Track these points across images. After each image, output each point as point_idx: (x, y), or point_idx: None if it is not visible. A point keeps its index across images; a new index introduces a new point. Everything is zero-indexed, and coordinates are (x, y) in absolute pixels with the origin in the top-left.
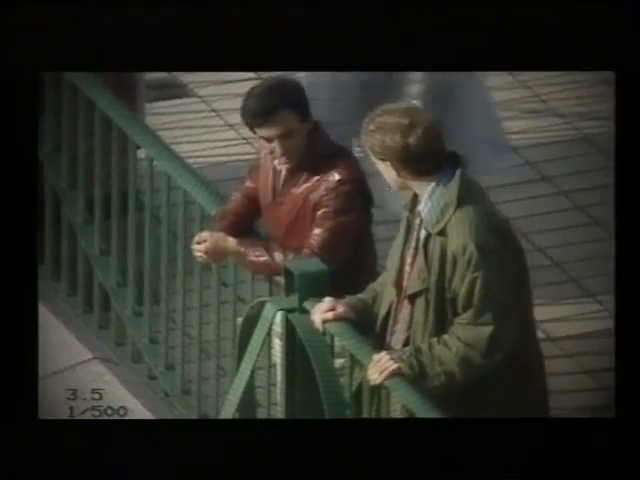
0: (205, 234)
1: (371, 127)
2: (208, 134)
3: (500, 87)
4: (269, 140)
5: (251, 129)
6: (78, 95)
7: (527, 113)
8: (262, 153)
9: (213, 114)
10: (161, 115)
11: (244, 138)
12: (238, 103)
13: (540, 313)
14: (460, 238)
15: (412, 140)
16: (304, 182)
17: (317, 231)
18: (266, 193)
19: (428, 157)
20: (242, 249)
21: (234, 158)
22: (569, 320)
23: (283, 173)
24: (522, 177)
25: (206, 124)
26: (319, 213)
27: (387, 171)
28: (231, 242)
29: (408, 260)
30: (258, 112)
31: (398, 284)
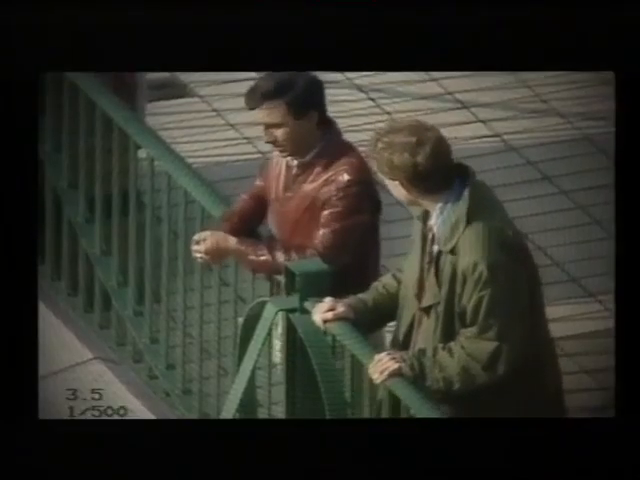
0: (205, 233)
1: (379, 146)
2: (209, 134)
3: (501, 87)
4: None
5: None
6: (79, 95)
7: (528, 113)
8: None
9: (214, 114)
10: (161, 115)
11: (245, 138)
12: (239, 103)
13: None
14: (471, 257)
15: (420, 158)
16: (315, 179)
17: (323, 232)
18: (276, 187)
19: (437, 174)
20: (243, 248)
21: (234, 158)
22: (570, 320)
23: (295, 168)
24: (523, 177)
25: (207, 124)
26: (326, 213)
27: (396, 189)
28: (232, 241)
29: (426, 272)
30: (250, 94)
31: (420, 295)
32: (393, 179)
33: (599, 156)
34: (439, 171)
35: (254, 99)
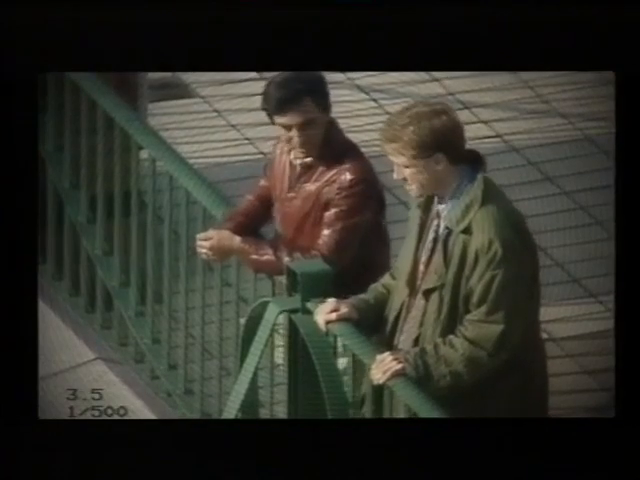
0: (210, 232)
1: (401, 122)
2: (210, 134)
3: (502, 87)
4: (288, 128)
5: (270, 117)
6: (80, 94)
7: (529, 114)
8: (279, 147)
9: (215, 114)
10: (163, 115)
11: (246, 138)
12: (240, 103)
13: (542, 313)
14: (486, 235)
15: (447, 121)
16: (318, 178)
17: (326, 232)
18: (280, 187)
19: (462, 138)
20: (246, 247)
21: (235, 159)
22: (571, 320)
23: (298, 168)
24: (524, 177)
25: (208, 124)
26: (329, 213)
27: (416, 171)
28: (236, 240)
29: (422, 259)
30: (282, 99)
31: (411, 283)
32: (428, 154)
33: (600, 157)
34: (462, 136)
35: (283, 102)
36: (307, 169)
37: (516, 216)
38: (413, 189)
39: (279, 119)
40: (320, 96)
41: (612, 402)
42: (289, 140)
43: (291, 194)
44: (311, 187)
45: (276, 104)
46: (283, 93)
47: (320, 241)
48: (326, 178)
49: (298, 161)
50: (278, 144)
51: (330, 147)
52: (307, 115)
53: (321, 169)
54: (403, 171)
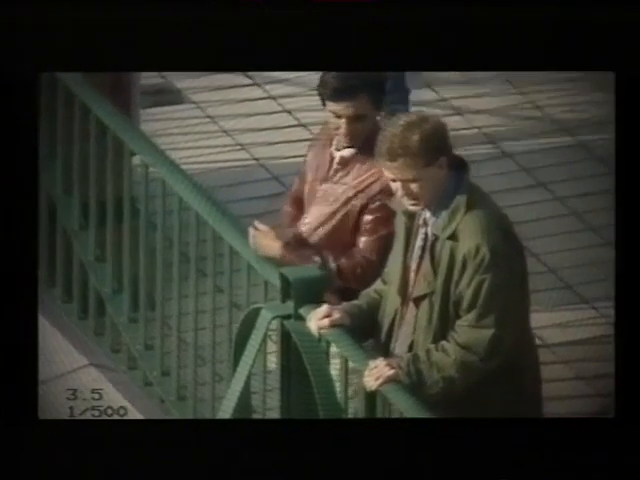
0: (261, 227)
1: (395, 130)
2: (202, 140)
3: (497, 93)
4: (338, 117)
5: (323, 102)
6: (73, 101)
7: (523, 119)
8: (321, 135)
9: (207, 120)
10: (155, 121)
11: (239, 144)
12: (233, 109)
13: (536, 319)
14: (473, 240)
15: (435, 123)
16: (353, 177)
17: (372, 237)
18: (314, 177)
19: (449, 142)
20: (287, 254)
21: (228, 164)
22: (565, 326)
23: (336, 161)
24: (518, 183)
25: (200, 130)
26: (371, 218)
27: (423, 182)
28: (276, 245)
29: (412, 266)
30: (339, 89)
31: (402, 291)
32: (434, 158)
33: (594, 162)
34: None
35: (340, 92)
36: (344, 164)
37: (503, 220)
38: (419, 204)
39: (332, 106)
40: (377, 93)
41: (608, 407)
42: (337, 128)
43: (323, 186)
44: (342, 187)
45: (332, 92)
46: (342, 83)
47: (363, 247)
48: (362, 179)
49: (337, 153)
50: (321, 133)
51: (373, 143)
52: (360, 109)
53: (358, 166)
54: (409, 188)
